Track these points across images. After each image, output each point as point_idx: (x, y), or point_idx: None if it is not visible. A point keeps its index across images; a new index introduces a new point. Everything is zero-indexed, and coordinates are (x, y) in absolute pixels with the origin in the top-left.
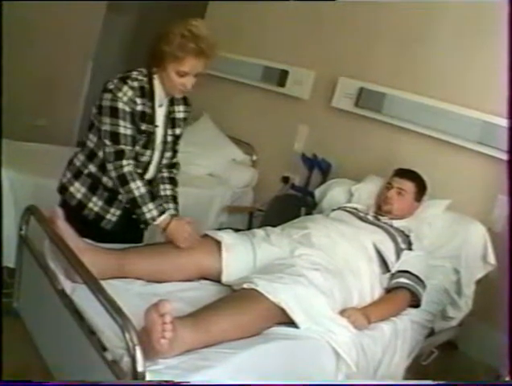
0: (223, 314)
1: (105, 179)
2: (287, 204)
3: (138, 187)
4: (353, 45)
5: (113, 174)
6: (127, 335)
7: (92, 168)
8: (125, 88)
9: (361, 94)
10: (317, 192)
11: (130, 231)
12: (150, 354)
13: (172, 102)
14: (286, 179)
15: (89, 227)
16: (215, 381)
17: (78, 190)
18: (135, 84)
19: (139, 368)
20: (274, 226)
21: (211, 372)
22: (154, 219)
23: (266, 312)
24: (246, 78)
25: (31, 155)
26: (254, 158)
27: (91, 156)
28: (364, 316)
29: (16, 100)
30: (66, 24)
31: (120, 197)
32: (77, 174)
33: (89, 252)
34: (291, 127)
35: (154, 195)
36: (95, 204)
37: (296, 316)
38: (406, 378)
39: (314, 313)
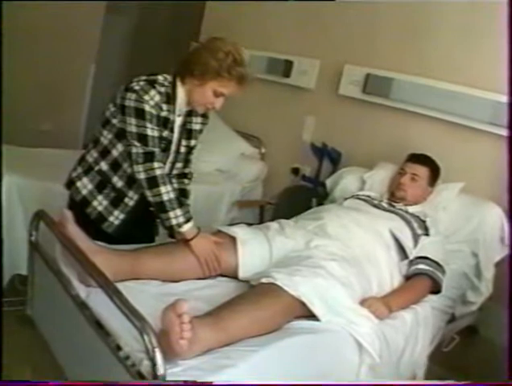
0: (242, 311)
1: (115, 179)
2: (298, 196)
3: (167, 192)
4: (357, 31)
5: (143, 175)
6: (146, 338)
7: (103, 166)
8: (153, 93)
9: (367, 80)
10: (328, 182)
11: (133, 239)
12: (170, 355)
13: (190, 113)
14: (295, 171)
15: (92, 228)
16: (237, 381)
17: (85, 186)
18: (162, 89)
19: (160, 371)
20: (285, 218)
21: (233, 371)
22: (180, 225)
23: (286, 306)
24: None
25: (38, 160)
26: (263, 150)
27: (104, 153)
28: (385, 305)
29: (20, 106)
30: (67, 28)
31: (126, 200)
32: (88, 170)
33: (102, 255)
34: (299, 117)
35: (181, 202)
36: (99, 203)
37: (317, 309)
38: (428, 366)
39: (334, 304)
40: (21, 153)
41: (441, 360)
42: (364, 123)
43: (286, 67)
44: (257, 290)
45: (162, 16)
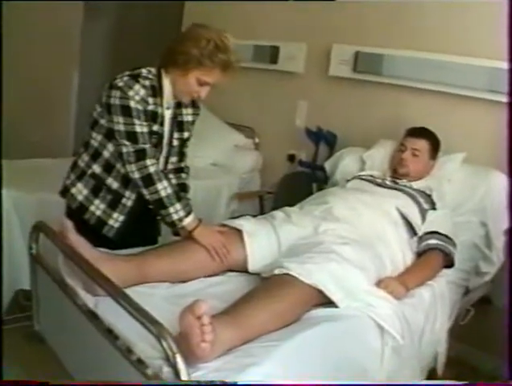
0: (259, 306)
1: (109, 180)
2: (297, 182)
3: (164, 188)
4: (342, 9)
5: (137, 174)
6: (165, 344)
7: (96, 168)
8: (137, 87)
9: (357, 58)
10: (327, 165)
11: (135, 242)
12: (191, 360)
13: (180, 104)
14: (291, 157)
15: (92, 235)
16: (264, 380)
17: (80, 191)
18: (147, 82)
19: (183, 377)
20: (286, 207)
21: (258, 370)
22: (181, 219)
23: (303, 296)
24: None
25: (30, 172)
26: (257, 140)
27: (95, 156)
28: (401, 284)
29: (9, 119)
30: (47, 37)
31: (124, 201)
32: (81, 175)
33: (108, 262)
34: (291, 103)
35: (179, 196)
36: (97, 207)
37: (334, 295)
38: (449, 342)
39: (351, 289)
40: (13, 166)
41: (458, 333)
42: (358, 102)
43: (273, 54)
44: (271, 283)
45: (142, 14)
